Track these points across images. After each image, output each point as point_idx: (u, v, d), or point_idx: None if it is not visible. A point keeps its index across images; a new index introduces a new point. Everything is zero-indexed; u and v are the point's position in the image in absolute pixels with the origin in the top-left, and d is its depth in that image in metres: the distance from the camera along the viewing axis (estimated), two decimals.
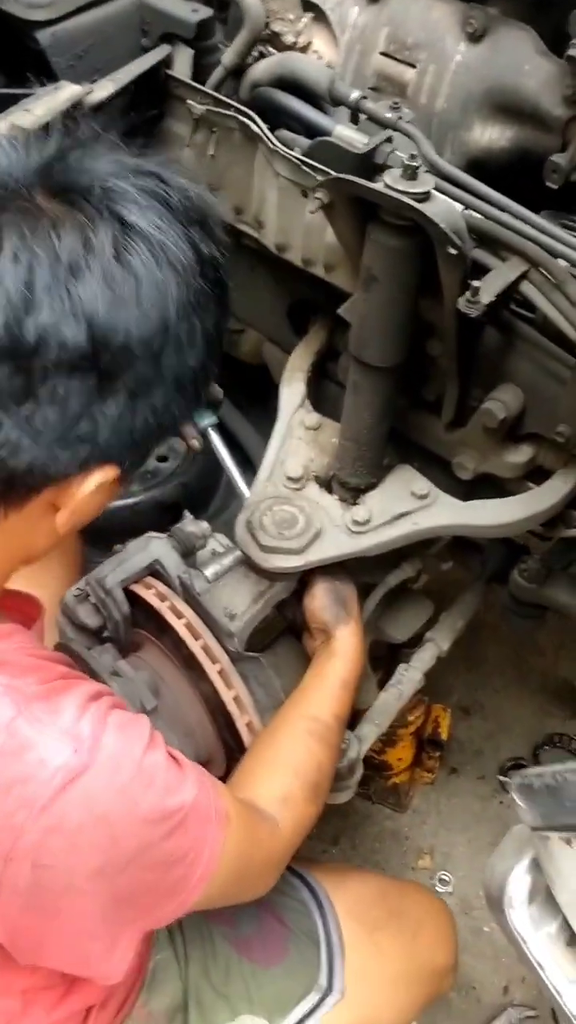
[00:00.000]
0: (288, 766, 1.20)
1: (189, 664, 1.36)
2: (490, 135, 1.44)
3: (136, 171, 0.87)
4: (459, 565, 1.76)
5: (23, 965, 0.96)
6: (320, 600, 1.40)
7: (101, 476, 0.89)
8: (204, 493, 2.20)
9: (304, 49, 1.51)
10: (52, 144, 0.85)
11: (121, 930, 0.96)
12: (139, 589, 1.39)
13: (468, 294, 1.16)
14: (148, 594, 1.38)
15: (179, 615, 1.35)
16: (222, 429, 2.18)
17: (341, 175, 1.16)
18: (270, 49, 1.48)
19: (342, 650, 1.35)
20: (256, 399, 2.11)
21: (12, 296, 0.77)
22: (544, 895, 0.87)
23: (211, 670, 1.32)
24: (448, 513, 1.39)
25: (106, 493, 0.93)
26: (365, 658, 1.40)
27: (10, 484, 0.85)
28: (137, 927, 0.98)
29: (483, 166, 1.45)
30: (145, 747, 0.92)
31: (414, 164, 1.11)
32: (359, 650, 1.37)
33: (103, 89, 1.35)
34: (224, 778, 1.46)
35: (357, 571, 1.58)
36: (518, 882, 0.87)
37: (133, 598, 1.39)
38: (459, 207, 1.22)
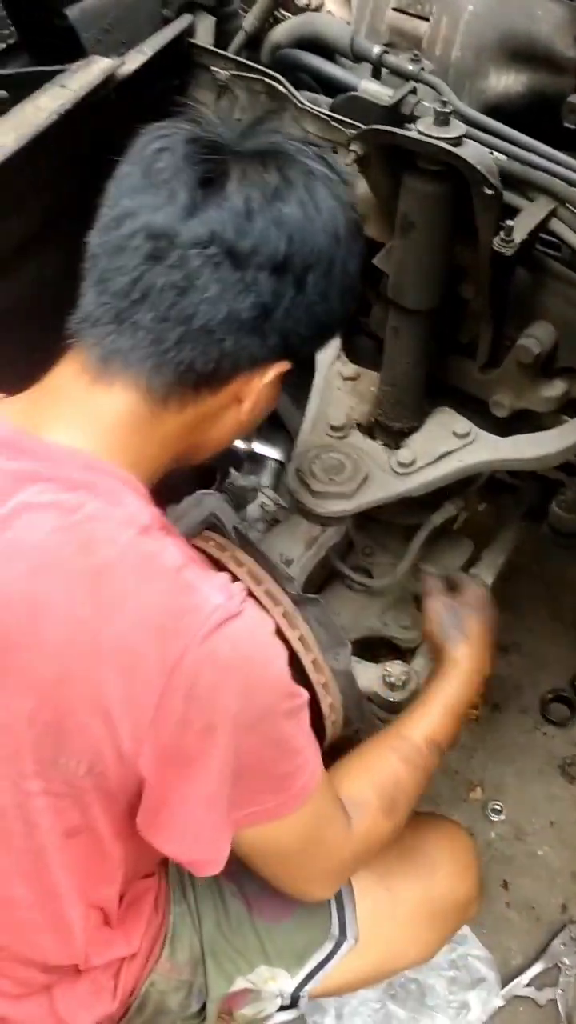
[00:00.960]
0: (367, 777, 1.24)
1: None
2: (506, 81, 1.48)
3: (307, 141, 1.13)
4: (492, 506, 1.82)
5: (120, 855, 1.06)
6: (435, 621, 1.44)
7: (278, 367, 1.08)
8: (234, 457, 2.25)
9: (317, 10, 1.55)
10: (248, 118, 1.16)
11: (230, 811, 1.02)
12: (199, 542, 1.44)
13: (502, 234, 1.21)
14: (208, 546, 1.43)
15: (240, 563, 1.40)
16: None
17: (376, 126, 1.20)
18: (285, 13, 1.52)
19: (451, 673, 1.38)
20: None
21: (238, 211, 0.99)
22: None
23: (275, 612, 1.37)
24: (490, 449, 1.44)
25: (276, 389, 1.13)
26: (479, 682, 1.41)
27: (218, 363, 1.03)
28: (239, 813, 1.03)
29: (501, 112, 1.49)
30: (274, 631, 1.03)
31: (446, 111, 1.16)
32: (471, 674, 1.39)
33: (133, 61, 1.39)
34: None
35: (401, 513, 1.64)
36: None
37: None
38: (486, 151, 1.27)
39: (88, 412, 1.03)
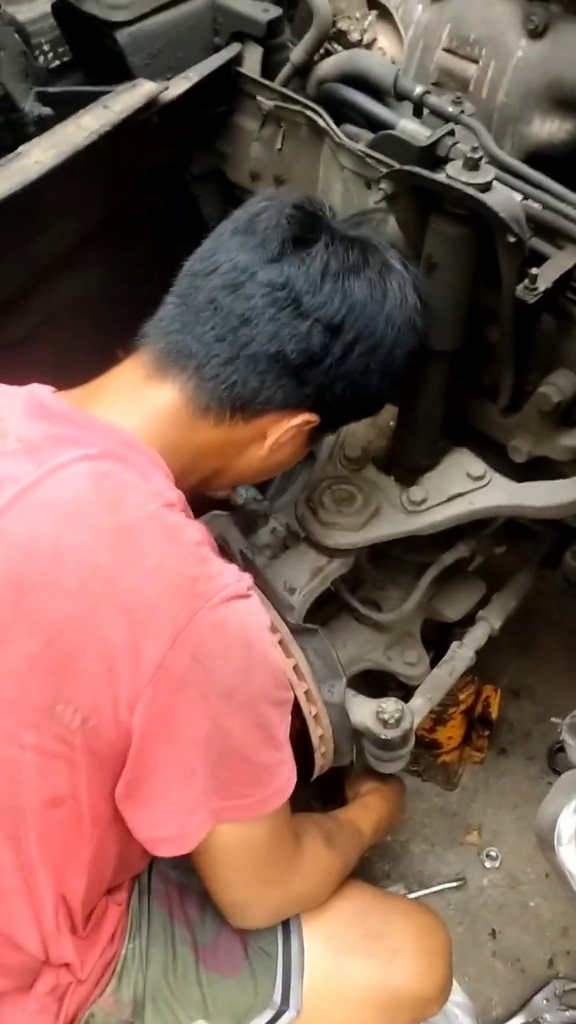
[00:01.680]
0: (303, 816, 1.34)
1: None
2: (550, 128, 1.48)
3: (391, 244, 1.23)
4: (512, 549, 1.81)
5: (95, 843, 1.08)
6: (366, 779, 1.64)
7: (306, 417, 1.18)
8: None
9: (369, 46, 1.56)
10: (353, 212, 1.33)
11: (209, 790, 1.04)
12: None
13: (526, 281, 1.20)
14: None
15: None
16: None
17: (405, 167, 1.21)
18: (336, 46, 1.54)
19: (389, 795, 1.61)
20: None
21: (314, 270, 1.12)
22: None
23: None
24: (503, 494, 1.44)
25: (299, 443, 1.23)
26: (390, 817, 1.60)
27: (254, 395, 1.14)
28: (219, 804, 1.06)
29: (544, 159, 1.49)
30: (270, 626, 1.10)
31: (476, 156, 1.16)
32: (398, 802, 1.64)
33: (177, 87, 1.42)
34: None
35: (412, 550, 1.64)
36: (567, 820, 0.92)
37: None
38: (518, 197, 1.27)
39: (136, 399, 1.13)
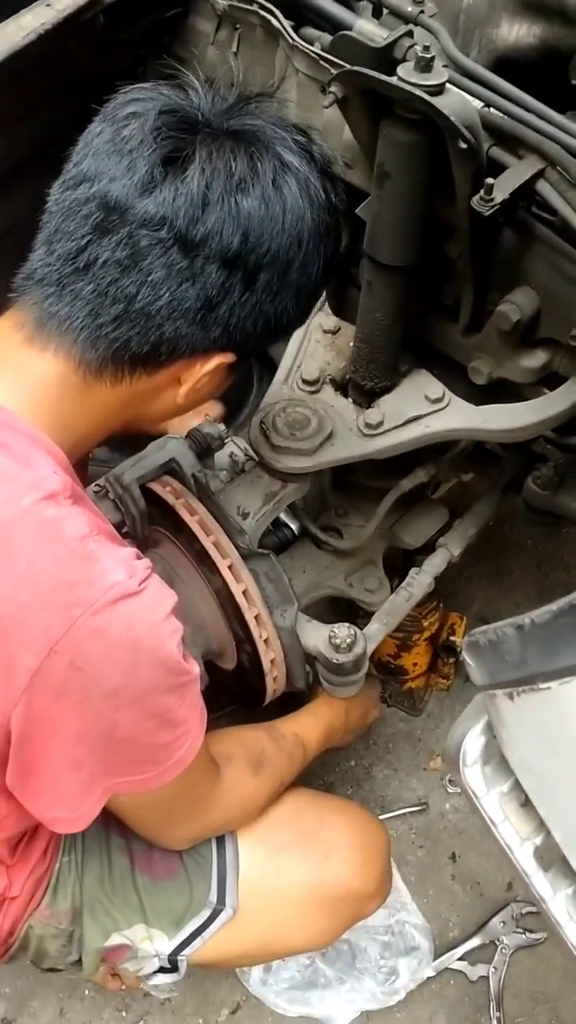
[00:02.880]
0: (235, 738, 1.36)
1: (201, 559, 1.40)
2: (517, 32, 1.41)
3: (292, 126, 1.08)
4: (479, 477, 1.78)
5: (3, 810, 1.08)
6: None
7: (221, 358, 1.07)
8: (233, 402, 2.22)
9: None
10: (234, 93, 1.08)
11: (100, 776, 1.03)
12: (155, 487, 1.43)
13: (482, 192, 1.15)
14: (163, 491, 1.42)
15: (192, 512, 1.39)
16: None
17: (354, 68, 1.15)
18: None
19: (323, 696, 1.56)
20: None
21: (194, 197, 0.97)
22: (498, 757, 0.91)
23: (221, 564, 1.36)
24: (460, 417, 1.40)
25: (219, 378, 1.11)
26: (344, 719, 1.62)
27: (155, 347, 1.02)
28: (113, 781, 1.04)
29: (511, 65, 1.42)
30: (174, 608, 1.02)
31: (427, 56, 1.10)
32: (366, 704, 1.65)
33: None
34: (232, 671, 1.52)
35: (373, 476, 1.61)
36: (473, 742, 0.91)
37: (151, 496, 1.44)
38: (477, 103, 1.21)
39: (18, 371, 1.02)
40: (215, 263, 0.99)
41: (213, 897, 1.31)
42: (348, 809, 1.52)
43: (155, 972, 1.33)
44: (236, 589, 1.36)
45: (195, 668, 1.05)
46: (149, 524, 1.45)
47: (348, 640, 1.39)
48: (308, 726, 1.50)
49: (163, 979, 1.34)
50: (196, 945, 1.31)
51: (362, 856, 1.41)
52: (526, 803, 0.91)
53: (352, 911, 1.44)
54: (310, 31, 1.39)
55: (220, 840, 1.33)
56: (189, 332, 1.02)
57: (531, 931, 1.77)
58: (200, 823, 1.26)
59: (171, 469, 1.45)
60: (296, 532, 1.64)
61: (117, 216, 0.97)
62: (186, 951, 1.31)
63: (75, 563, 0.94)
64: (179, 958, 1.31)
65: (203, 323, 1.02)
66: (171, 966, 1.32)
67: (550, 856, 0.95)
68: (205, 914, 1.30)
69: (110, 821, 1.26)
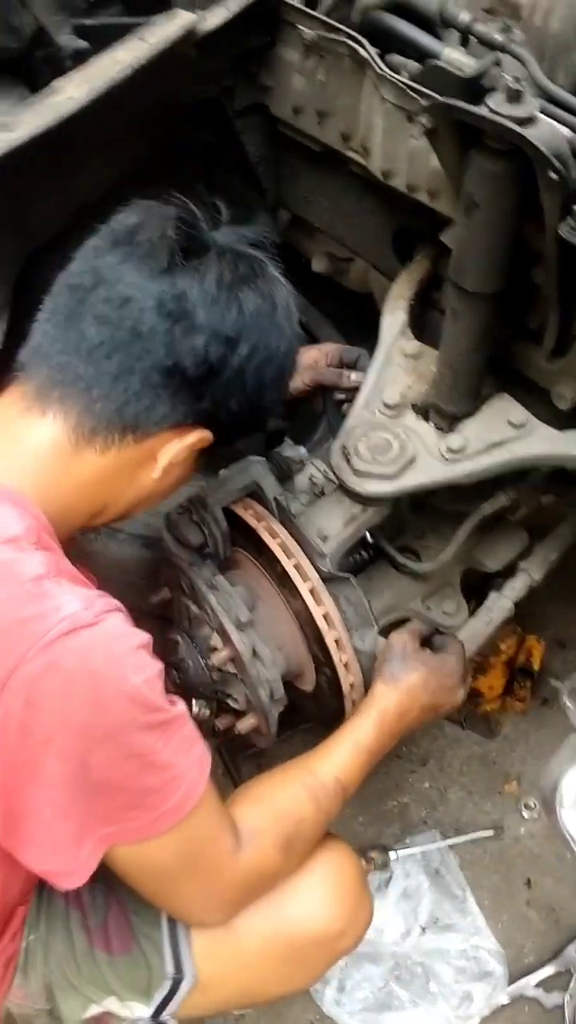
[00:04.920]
0: (270, 808, 1.22)
1: (283, 582, 1.42)
2: None
3: (276, 245, 1.23)
4: (559, 499, 1.76)
5: None
6: (381, 657, 1.39)
7: (201, 435, 1.16)
8: (309, 421, 2.23)
9: None
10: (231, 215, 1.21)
11: (90, 822, 1.01)
12: (237, 509, 1.45)
13: (570, 219, 1.15)
14: (246, 514, 1.44)
15: (274, 535, 1.40)
16: None
17: (443, 99, 1.16)
18: None
19: (365, 711, 1.34)
20: (361, 328, 2.13)
21: (208, 283, 1.11)
22: None
23: (303, 588, 1.38)
24: (544, 443, 1.40)
25: (191, 462, 1.19)
26: (401, 728, 1.36)
27: (147, 414, 1.11)
28: (105, 831, 1.02)
29: None
30: (141, 645, 1.01)
31: (518, 87, 1.10)
32: (385, 715, 1.33)
33: (215, 17, 1.37)
34: (311, 692, 1.52)
35: (453, 499, 1.61)
36: (570, 783, 0.90)
37: (232, 518, 1.45)
38: (566, 131, 1.21)
39: (12, 436, 1.09)
40: (216, 341, 1.11)
41: (170, 968, 1.26)
42: (329, 842, 1.36)
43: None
44: (317, 612, 1.37)
45: (179, 707, 1.04)
46: (231, 546, 1.47)
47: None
48: (351, 764, 1.30)
49: None
50: (172, 1010, 1.28)
51: (324, 894, 1.30)
52: None
53: (324, 954, 1.35)
54: (396, 58, 1.40)
55: None
56: (184, 399, 1.12)
57: None
58: (216, 897, 1.18)
59: (253, 492, 1.46)
60: (370, 555, 1.64)
61: (134, 290, 1.09)
62: (165, 1015, 1.29)
63: (28, 601, 0.97)
64: (162, 1019, 1.29)
65: (197, 391, 1.12)
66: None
67: None
68: (167, 985, 1.27)
69: (70, 896, 1.26)
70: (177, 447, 1.15)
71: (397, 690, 1.35)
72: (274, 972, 1.32)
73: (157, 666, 1.02)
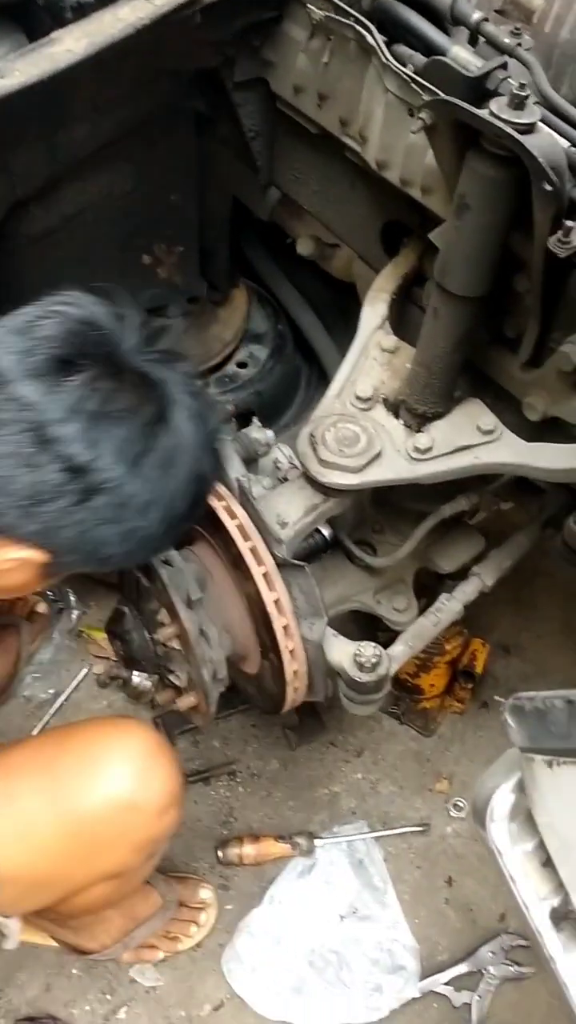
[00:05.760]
0: None
1: (237, 564, 1.41)
2: None
3: (196, 393, 1.15)
4: (519, 507, 1.77)
5: None
6: None
7: (31, 554, 1.09)
8: (278, 404, 2.22)
9: None
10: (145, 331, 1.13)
11: None
12: None
13: (560, 234, 1.15)
14: None
15: (232, 515, 1.39)
16: (301, 341, 2.22)
17: (446, 97, 1.15)
18: None
19: None
20: (341, 315, 2.12)
21: (66, 401, 1.03)
22: (525, 816, 0.91)
23: (256, 572, 1.37)
24: (510, 452, 1.40)
25: (29, 575, 1.13)
26: None
27: None
28: None
29: None
30: None
31: (522, 94, 1.10)
32: None
33: None
34: (254, 675, 1.52)
35: (414, 498, 1.61)
36: (502, 799, 0.91)
37: None
38: (565, 143, 1.21)
39: None
40: (57, 464, 1.03)
41: None
42: (92, 729, 1.40)
43: None
44: (268, 598, 1.37)
45: None
46: None
47: (373, 660, 1.39)
48: None
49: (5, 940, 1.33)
50: None
51: (105, 764, 1.30)
52: (547, 863, 0.92)
53: (118, 826, 1.32)
54: (403, 49, 1.39)
55: None
56: (7, 514, 1.05)
57: (519, 964, 1.77)
58: None
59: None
60: (328, 540, 1.64)
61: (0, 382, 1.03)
62: None
63: None
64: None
65: (26, 512, 1.05)
66: None
67: (565, 917, 0.95)
68: None
69: None
70: (3, 558, 1.09)
71: None
72: (69, 857, 1.31)
73: None
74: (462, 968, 1.77)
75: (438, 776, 1.99)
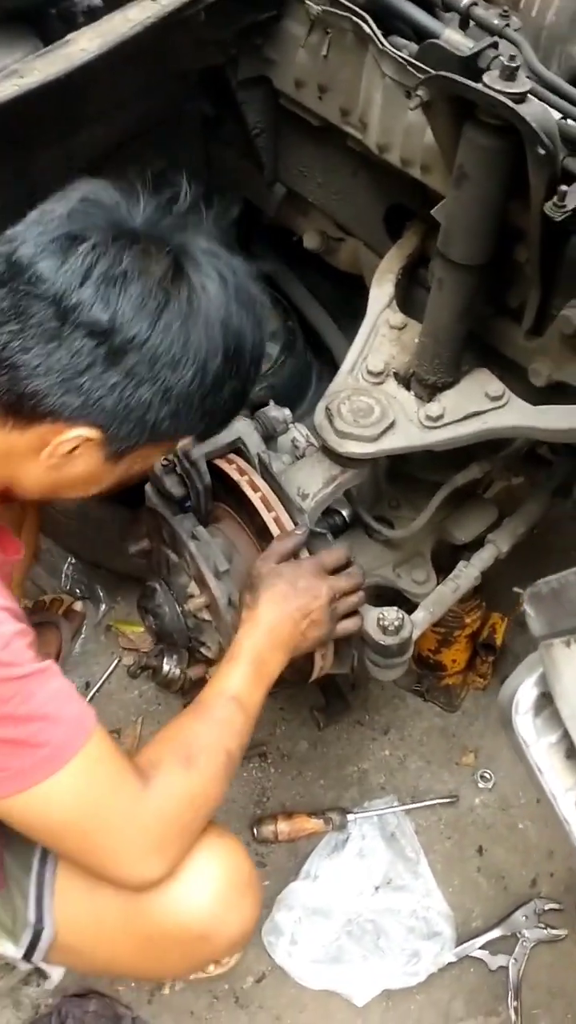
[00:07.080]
0: (161, 739, 1.24)
1: (261, 535, 1.47)
2: None
3: (217, 254, 1.15)
4: (528, 480, 1.82)
5: None
6: (250, 572, 1.39)
7: (83, 431, 1.10)
8: (291, 398, 2.28)
9: None
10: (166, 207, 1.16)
11: None
12: (221, 463, 1.49)
13: (555, 198, 1.21)
14: (229, 468, 1.48)
15: (255, 488, 1.45)
16: (310, 331, 2.28)
17: (442, 73, 1.21)
18: None
19: (247, 625, 1.33)
20: (348, 307, 2.18)
21: (76, 270, 1.05)
22: (550, 710, 0.95)
23: None
24: (518, 415, 1.45)
25: (95, 461, 1.14)
26: (275, 639, 1.33)
27: (20, 399, 1.08)
28: None
29: None
30: (17, 634, 1.09)
31: (513, 65, 1.16)
32: (263, 629, 1.32)
33: None
34: None
35: (428, 469, 1.66)
36: (526, 692, 0.95)
37: (216, 473, 1.50)
38: (556, 114, 1.27)
39: None
40: (81, 331, 1.05)
41: (32, 916, 1.29)
42: (214, 835, 1.29)
43: (32, 976, 1.35)
44: None
45: (44, 664, 1.09)
46: (213, 500, 1.51)
47: (396, 623, 1.44)
48: (232, 676, 1.29)
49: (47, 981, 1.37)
50: (39, 958, 1.31)
51: (193, 887, 1.24)
52: (571, 755, 0.96)
53: (180, 952, 1.30)
54: (398, 40, 1.46)
55: (44, 854, 1.29)
56: (51, 393, 1.07)
57: (553, 927, 1.80)
58: (137, 842, 1.15)
59: (237, 448, 1.51)
60: (348, 519, 1.69)
61: (18, 269, 1.06)
62: (38, 961, 1.31)
63: None
64: (32, 961, 1.32)
65: (65, 388, 1.07)
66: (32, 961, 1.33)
67: None
68: (30, 932, 1.29)
69: None
70: (57, 441, 1.10)
71: (259, 604, 1.34)
72: (128, 956, 1.31)
73: (15, 627, 1.08)
74: (496, 933, 1.80)
75: (464, 750, 2.03)
